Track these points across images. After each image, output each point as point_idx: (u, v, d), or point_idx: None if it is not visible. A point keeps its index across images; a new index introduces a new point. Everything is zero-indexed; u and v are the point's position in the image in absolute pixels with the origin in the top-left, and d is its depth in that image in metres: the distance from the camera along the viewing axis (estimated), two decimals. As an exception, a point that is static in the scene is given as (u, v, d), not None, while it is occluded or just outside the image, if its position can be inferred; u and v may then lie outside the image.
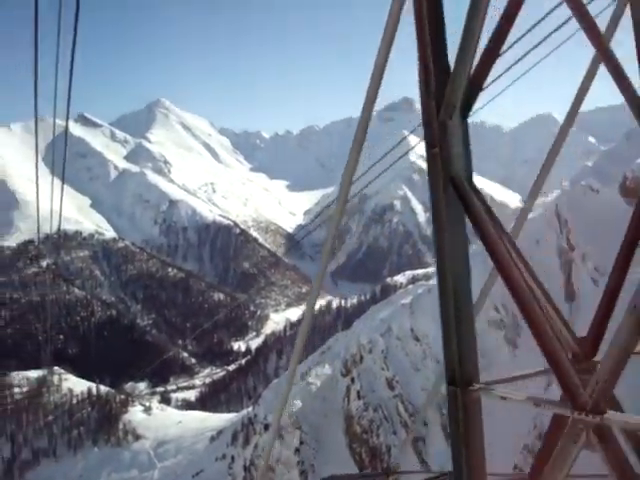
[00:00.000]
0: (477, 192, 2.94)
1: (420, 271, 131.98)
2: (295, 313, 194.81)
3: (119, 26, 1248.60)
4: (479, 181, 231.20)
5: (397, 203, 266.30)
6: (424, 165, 3.00)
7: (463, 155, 2.96)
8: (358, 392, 51.64)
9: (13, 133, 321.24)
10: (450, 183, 2.93)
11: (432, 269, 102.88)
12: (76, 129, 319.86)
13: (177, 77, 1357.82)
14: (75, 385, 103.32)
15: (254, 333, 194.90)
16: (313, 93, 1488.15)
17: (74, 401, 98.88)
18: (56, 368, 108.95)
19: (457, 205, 2.92)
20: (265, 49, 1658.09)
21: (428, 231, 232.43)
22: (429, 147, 2.97)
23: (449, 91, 2.91)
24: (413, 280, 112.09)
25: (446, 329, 2.95)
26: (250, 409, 76.59)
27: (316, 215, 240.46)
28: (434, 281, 67.90)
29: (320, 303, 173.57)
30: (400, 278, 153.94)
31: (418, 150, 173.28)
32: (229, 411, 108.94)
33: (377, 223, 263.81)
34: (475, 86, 2.76)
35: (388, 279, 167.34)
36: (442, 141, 2.91)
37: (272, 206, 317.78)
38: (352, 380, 52.78)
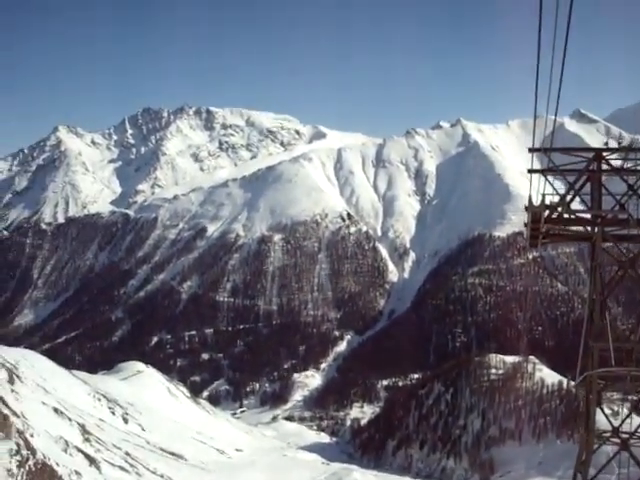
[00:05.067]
0: None
1: None
2: None
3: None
4: None
5: None
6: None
7: None
8: None
9: (511, 130, 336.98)
10: None
11: None
12: (571, 125, 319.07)
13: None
14: (547, 376, 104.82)
15: None
16: None
17: (544, 391, 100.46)
18: (531, 357, 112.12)
19: None
20: None
21: None
22: None
23: None
24: None
25: None
26: None
27: None
28: None
29: None
30: None
31: None
32: None
33: None
34: None
35: None
36: None
37: None
38: None
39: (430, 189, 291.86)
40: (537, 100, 10.36)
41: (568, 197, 14.08)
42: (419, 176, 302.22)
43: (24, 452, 23.16)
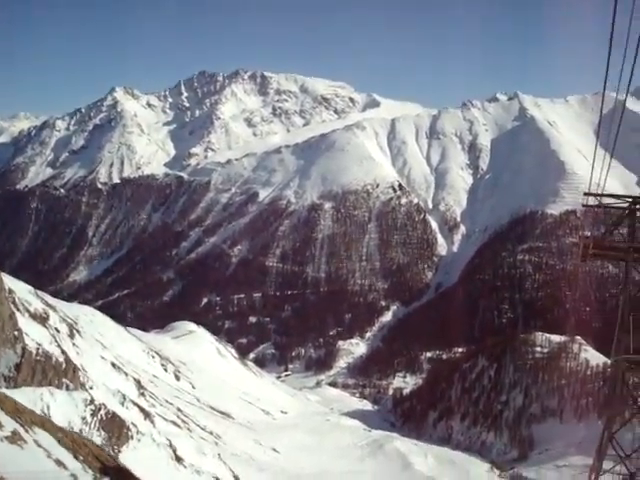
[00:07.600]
0: None
1: None
2: None
3: None
4: None
5: None
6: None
7: None
8: None
9: (569, 105, 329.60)
10: None
11: None
12: (633, 104, 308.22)
13: None
14: (592, 357, 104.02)
15: None
16: None
17: (588, 372, 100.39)
18: (577, 337, 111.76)
19: None
20: None
21: None
22: None
23: None
24: None
25: None
26: None
27: None
28: None
29: None
30: None
31: None
32: None
33: None
34: None
35: None
36: None
37: None
38: None
39: (484, 163, 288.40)
40: (606, 75, 10.71)
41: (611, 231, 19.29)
42: (473, 149, 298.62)
43: (97, 402, 25.20)
